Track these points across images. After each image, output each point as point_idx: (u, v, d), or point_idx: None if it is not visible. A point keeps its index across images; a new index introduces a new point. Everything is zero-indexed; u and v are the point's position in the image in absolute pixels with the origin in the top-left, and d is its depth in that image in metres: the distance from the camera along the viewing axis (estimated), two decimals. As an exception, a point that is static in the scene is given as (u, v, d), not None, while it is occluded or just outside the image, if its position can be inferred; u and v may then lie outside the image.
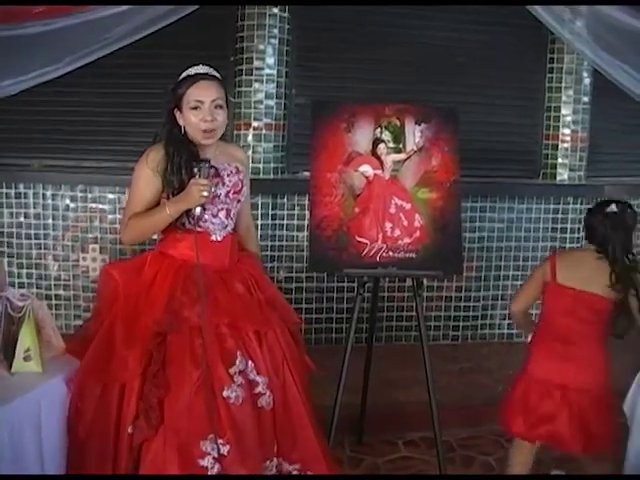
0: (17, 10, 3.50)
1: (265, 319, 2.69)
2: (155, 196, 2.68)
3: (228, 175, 2.75)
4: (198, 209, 2.61)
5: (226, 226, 2.76)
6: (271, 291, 2.86)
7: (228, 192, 2.75)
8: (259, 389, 2.57)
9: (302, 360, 2.82)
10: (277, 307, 2.80)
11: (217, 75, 2.73)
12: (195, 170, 2.60)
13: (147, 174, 2.65)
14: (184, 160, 2.63)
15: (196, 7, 3.74)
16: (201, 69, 2.70)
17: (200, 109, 2.64)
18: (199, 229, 2.67)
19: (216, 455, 2.41)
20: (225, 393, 2.46)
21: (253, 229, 3.16)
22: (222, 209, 2.74)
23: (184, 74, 2.70)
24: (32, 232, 4.87)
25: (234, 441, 2.43)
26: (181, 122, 2.68)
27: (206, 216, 2.69)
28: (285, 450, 2.62)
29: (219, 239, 2.74)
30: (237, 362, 2.53)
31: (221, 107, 2.68)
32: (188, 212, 2.63)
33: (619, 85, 4.14)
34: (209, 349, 2.49)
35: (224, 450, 2.42)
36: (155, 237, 2.87)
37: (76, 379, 2.53)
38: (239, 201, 2.81)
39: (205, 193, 2.57)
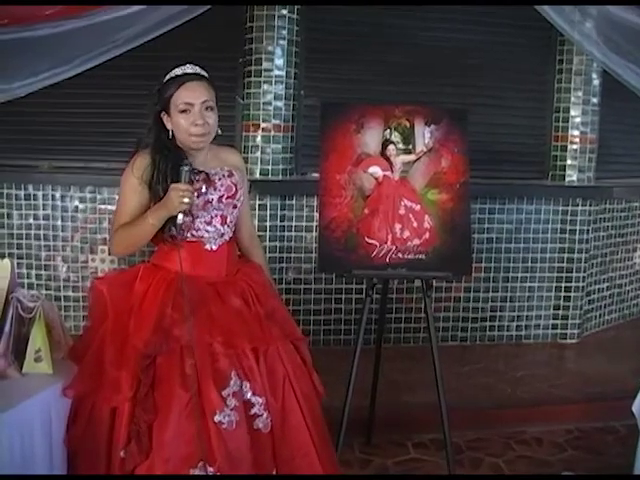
0: (27, 12, 3.51)
1: (264, 335, 2.52)
2: (142, 206, 2.53)
3: (220, 179, 2.60)
4: (180, 216, 2.44)
5: (222, 234, 2.61)
6: (272, 303, 2.67)
7: (221, 197, 2.59)
8: (255, 410, 2.41)
9: (310, 378, 2.65)
10: (278, 321, 2.61)
11: (206, 75, 2.59)
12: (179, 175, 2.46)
13: (133, 183, 2.52)
14: (170, 168, 2.48)
15: (206, 8, 3.75)
16: (188, 69, 2.56)
17: (190, 112, 2.50)
18: (192, 239, 2.55)
19: None
20: (217, 418, 2.32)
21: (257, 238, 2.99)
22: (216, 216, 2.58)
23: (170, 75, 2.56)
24: (41, 233, 4.88)
25: (225, 468, 2.30)
26: (169, 126, 2.54)
27: (198, 224, 2.56)
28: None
29: (214, 248, 2.59)
30: (231, 383, 2.38)
31: (212, 109, 2.54)
32: (173, 220, 2.46)
33: (628, 86, 4.14)
34: (200, 370, 2.36)
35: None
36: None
37: (70, 391, 2.44)
38: (235, 206, 2.65)
39: (186, 199, 2.39)
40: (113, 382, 2.37)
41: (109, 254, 4.83)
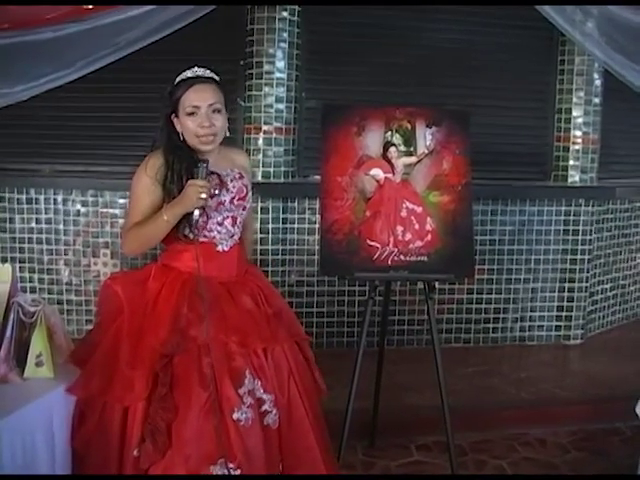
0: (28, 16, 3.52)
1: (272, 334, 2.57)
2: (155, 205, 2.54)
3: (232, 181, 2.64)
4: (197, 212, 2.47)
5: (233, 235, 2.64)
6: (279, 304, 2.73)
7: (233, 198, 2.63)
8: (265, 407, 2.46)
9: (312, 376, 2.71)
10: (284, 321, 2.67)
11: (214, 77, 2.60)
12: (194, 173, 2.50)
13: (146, 182, 2.53)
14: (184, 167, 2.51)
15: (207, 11, 3.75)
16: (197, 71, 2.58)
17: (197, 114, 2.52)
18: (205, 239, 2.58)
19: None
20: (235, 415, 2.36)
21: (251, 236, 3.08)
22: (227, 217, 2.62)
23: (179, 77, 2.58)
24: (43, 237, 4.89)
25: (245, 464, 2.34)
26: (179, 128, 2.56)
27: (211, 225, 2.58)
28: (289, 471, 2.52)
29: (226, 249, 2.62)
30: (246, 381, 2.42)
31: (219, 111, 2.56)
32: (187, 218, 2.49)
33: (631, 86, 4.13)
34: (217, 369, 2.39)
35: (235, 474, 2.33)
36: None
37: (77, 391, 2.44)
38: (245, 208, 2.69)
39: (203, 195, 2.44)
40: (126, 381, 2.38)
41: (111, 258, 4.84)
